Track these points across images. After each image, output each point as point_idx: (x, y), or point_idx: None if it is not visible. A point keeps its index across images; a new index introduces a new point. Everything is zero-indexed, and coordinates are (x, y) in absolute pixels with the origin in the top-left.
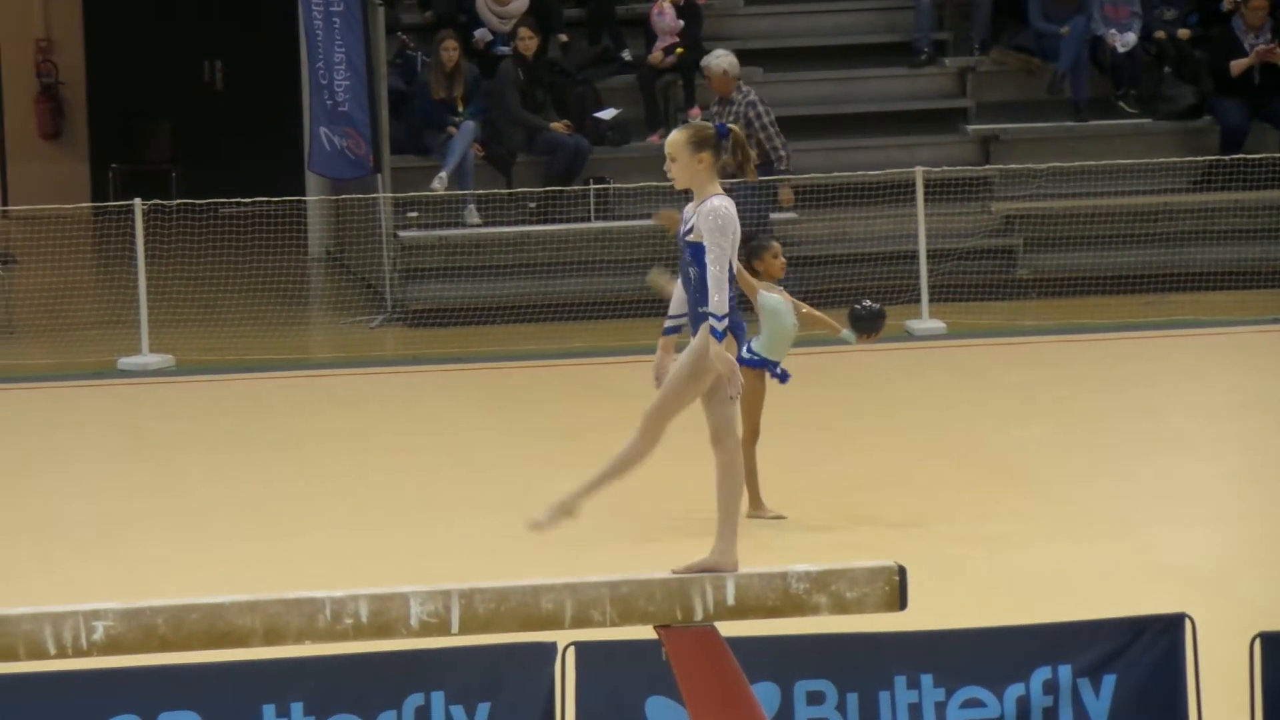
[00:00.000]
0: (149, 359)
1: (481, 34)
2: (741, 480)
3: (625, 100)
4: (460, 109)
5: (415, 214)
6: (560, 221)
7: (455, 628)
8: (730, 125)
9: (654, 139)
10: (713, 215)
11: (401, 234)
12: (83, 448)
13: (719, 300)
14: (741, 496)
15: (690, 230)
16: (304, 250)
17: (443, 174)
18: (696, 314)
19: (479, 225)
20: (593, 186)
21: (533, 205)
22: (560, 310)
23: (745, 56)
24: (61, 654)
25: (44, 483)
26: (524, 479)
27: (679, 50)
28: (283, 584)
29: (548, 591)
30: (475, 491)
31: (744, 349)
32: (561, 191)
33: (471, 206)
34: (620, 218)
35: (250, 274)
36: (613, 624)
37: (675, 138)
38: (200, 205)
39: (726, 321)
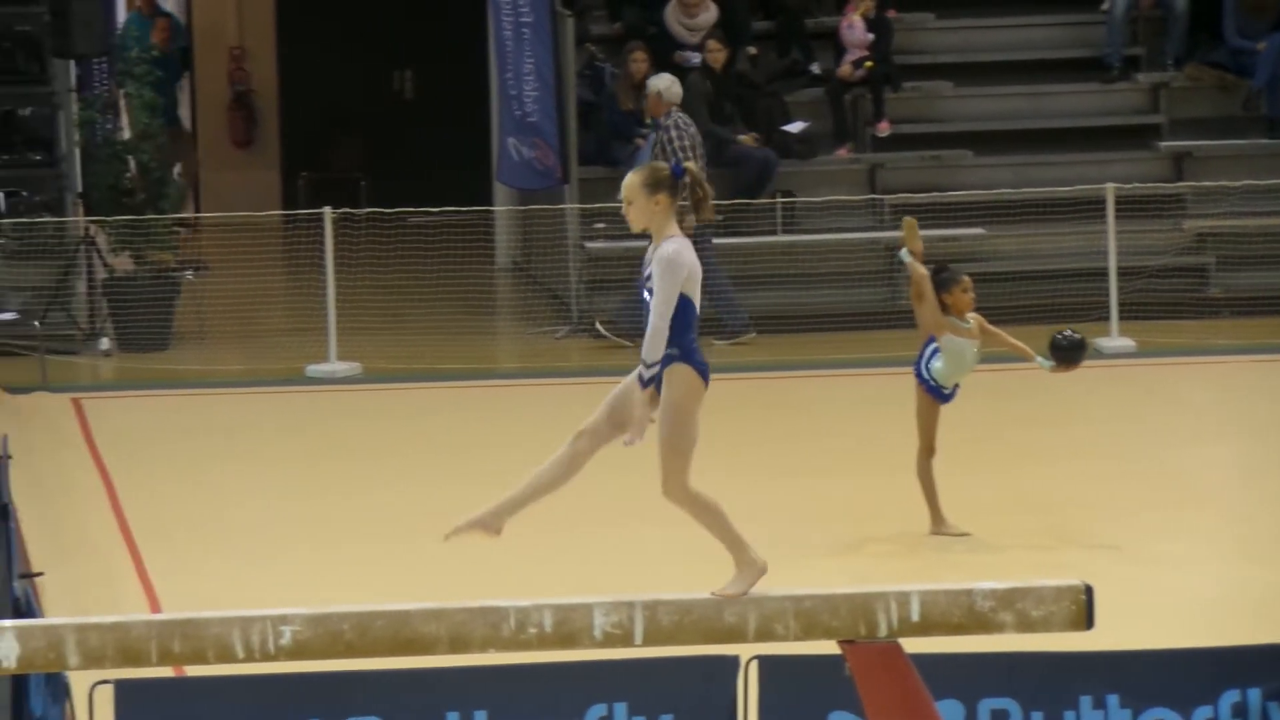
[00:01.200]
0: (337, 366)
1: (685, 56)
2: (717, 512)
3: (813, 113)
4: (648, 120)
5: (602, 225)
6: (747, 234)
7: (639, 639)
8: (687, 164)
9: (842, 152)
10: (663, 261)
11: (588, 245)
12: (271, 452)
13: (652, 348)
14: (727, 520)
15: (649, 276)
16: (491, 260)
17: None
18: (665, 356)
19: None
20: (780, 200)
21: (720, 218)
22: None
23: (936, 70)
24: (249, 658)
25: (232, 485)
26: (706, 488)
27: (868, 64)
28: (463, 590)
29: (731, 604)
30: (657, 501)
31: (922, 366)
32: (748, 204)
33: None
34: (807, 231)
35: (437, 283)
36: (796, 638)
37: (630, 180)
38: (389, 214)
39: (656, 369)
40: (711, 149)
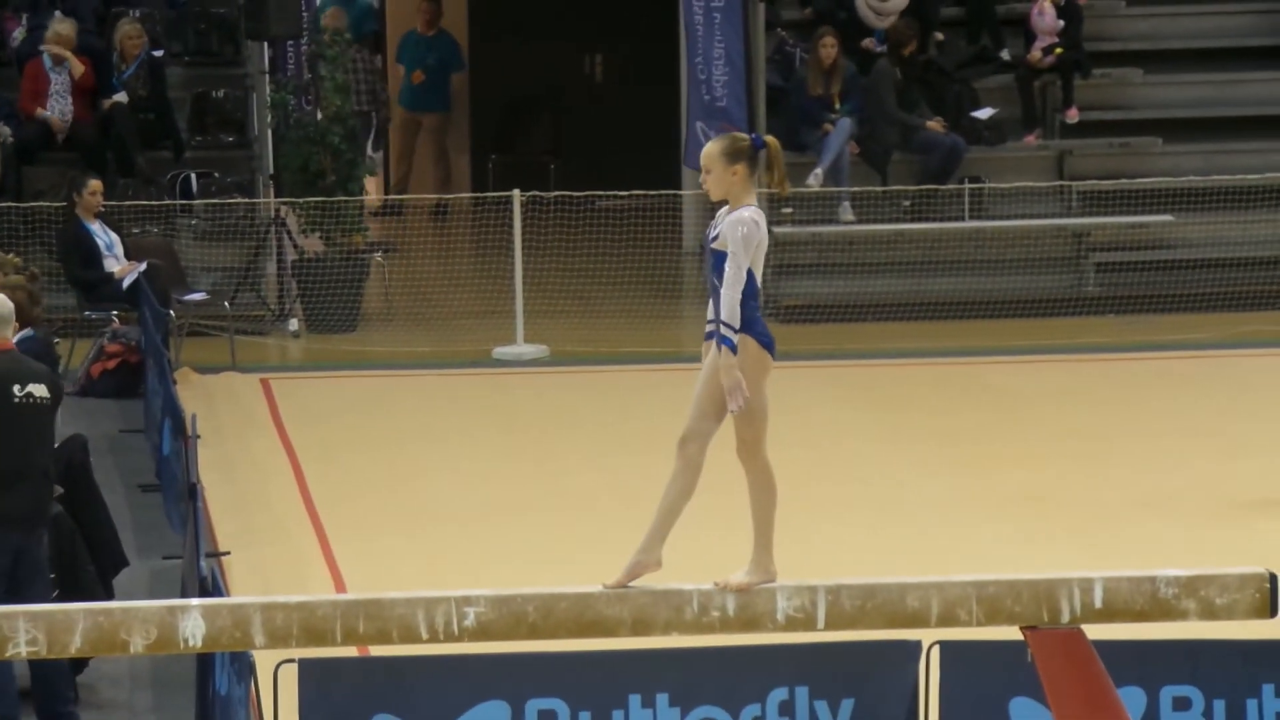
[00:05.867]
0: (524, 349)
1: (870, 43)
2: (773, 494)
3: (1002, 100)
4: (837, 106)
5: (790, 210)
6: (934, 220)
7: (821, 623)
8: (767, 138)
9: (1030, 139)
10: (740, 224)
11: (775, 230)
12: (456, 433)
13: (730, 310)
14: (774, 509)
15: (716, 237)
16: (679, 244)
17: (818, 170)
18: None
19: (853, 222)
20: (968, 186)
21: (907, 203)
22: (932, 309)
23: (1125, 58)
24: (433, 638)
25: (418, 467)
26: (892, 479)
27: (1058, 50)
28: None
29: (914, 590)
30: (842, 490)
31: None
32: (936, 190)
33: (846, 203)
34: (994, 217)
35: (625, 267)
36: (978, 624)
37: (710, 149)
38: (577, 197)
39: (737, 333)
40: (899, 135)
